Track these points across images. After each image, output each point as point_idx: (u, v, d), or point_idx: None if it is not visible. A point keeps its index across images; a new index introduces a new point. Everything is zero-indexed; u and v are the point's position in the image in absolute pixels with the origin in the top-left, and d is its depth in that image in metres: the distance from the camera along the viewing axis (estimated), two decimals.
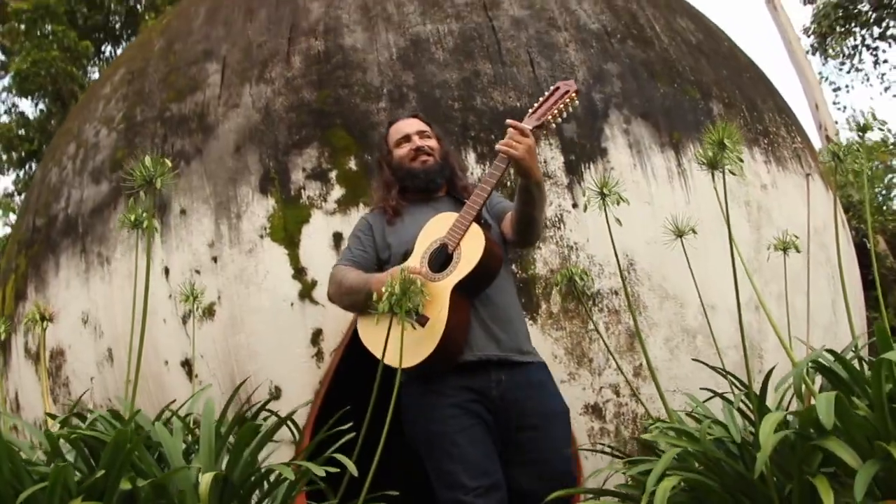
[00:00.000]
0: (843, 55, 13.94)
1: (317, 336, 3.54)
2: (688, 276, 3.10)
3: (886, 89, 13.92)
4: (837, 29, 13.50)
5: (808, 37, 14.11)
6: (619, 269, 3.44)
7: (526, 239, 2.53)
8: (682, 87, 4.47)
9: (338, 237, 3.71)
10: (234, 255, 3.74)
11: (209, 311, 3.67)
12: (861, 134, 2.37)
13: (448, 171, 2.66)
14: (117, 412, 2.29)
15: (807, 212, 4.58)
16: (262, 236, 3.76)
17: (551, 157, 3.94)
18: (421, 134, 2.62)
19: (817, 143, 11.49)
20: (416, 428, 2.39)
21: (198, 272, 3.73)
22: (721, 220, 3.51)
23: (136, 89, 4.55)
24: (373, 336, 2.26)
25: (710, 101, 4.54)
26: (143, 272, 2.33)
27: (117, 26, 12.86)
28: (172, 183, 2.33)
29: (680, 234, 2.97)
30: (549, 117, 2.37)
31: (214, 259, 3.76)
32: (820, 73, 13.83)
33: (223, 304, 3.67)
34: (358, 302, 2.37)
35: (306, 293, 3.60)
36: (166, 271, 3.81)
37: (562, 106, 2.37)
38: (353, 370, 3.30)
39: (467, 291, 2.28)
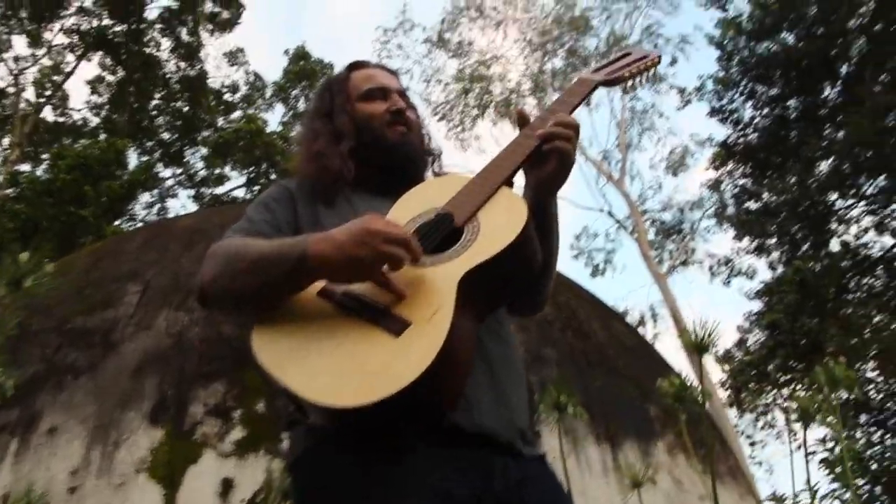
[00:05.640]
0: (757, 411, 14.45)
1: None
2: None
3: (798, 447, 14.06)
4: (751, 385, 14.14)
5: (726, 390, 14.68)
6: None
7: (538, 295, 1.52)
8: (619, 383, 4.34)
9: (227, 484, 3.18)
10: (99, 487, 3.14)
11: None
12: None
13: (429, 159, 1.68)
14: None
15: None
16: (138, 471, 3.20)
17: None
18: (401, 95, 1.65)
19: None
20: None
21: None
22: None
23: (41, 299, 4.20)
24: (291, 354, 1.11)
25: (647, 402, 4.40)
26: None
27: None
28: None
29: None
30: (626, 73, 1.61)
31: (72, 490, 3.14)
32: (736, 425, 14.18)
33: None
34: (268, 285, 1.19)
35: None
36: (4, 499, 3.15)
37: (642, 67, 1.64)
38: None
39: (481, 297, 1.20)
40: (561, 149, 1.36)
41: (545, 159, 1.38)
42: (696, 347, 1.81)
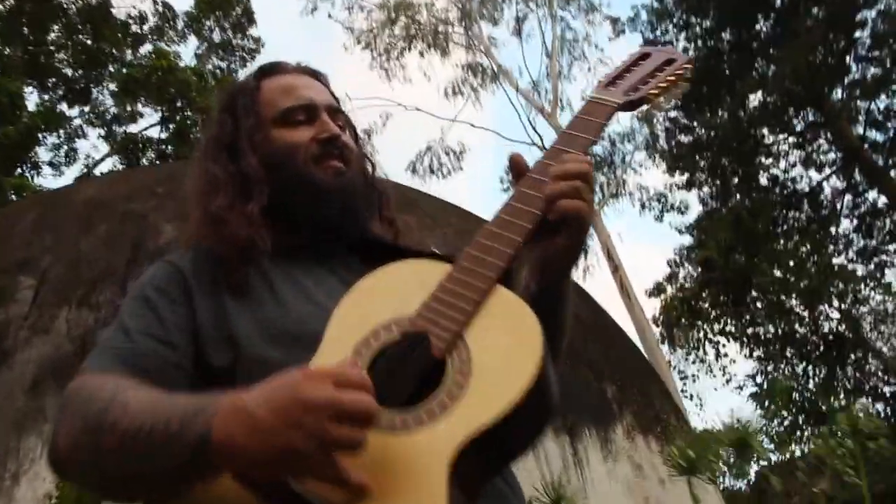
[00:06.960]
0: (689, 346, 14.70)
1: None
2: None
3: (728, 381, 14.46)
4: (683, 321, 14.35)
5: (658, 326, 14.85)
6: None
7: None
8: (576, 365, 4.07)
9: None
10: None
11: None
12: None
13: (375, 201, 1.21)
14: None
15: None
16: None
17: None
18: (332, 113, 1.18)
19: None
20: None
21: None
22: None
23: None
24: None
25: (604, 382, 4.15)
26: None
27: None
28: None
29: None
30: (653, 91, 1.13)
31: None
32: (669, 361, 14.41)
33: None
34: (150, 477, 0.78)
35: None
36: None
37: (671, 79, 1.15)
38: None
39: (479, 471, 0.81)
40: (567, 211, 0.94)
41: (553, 229, 0.97)
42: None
